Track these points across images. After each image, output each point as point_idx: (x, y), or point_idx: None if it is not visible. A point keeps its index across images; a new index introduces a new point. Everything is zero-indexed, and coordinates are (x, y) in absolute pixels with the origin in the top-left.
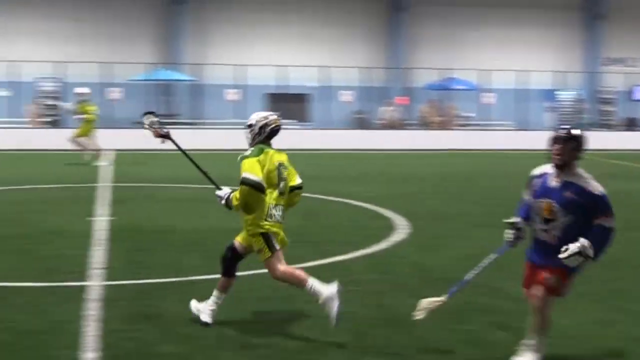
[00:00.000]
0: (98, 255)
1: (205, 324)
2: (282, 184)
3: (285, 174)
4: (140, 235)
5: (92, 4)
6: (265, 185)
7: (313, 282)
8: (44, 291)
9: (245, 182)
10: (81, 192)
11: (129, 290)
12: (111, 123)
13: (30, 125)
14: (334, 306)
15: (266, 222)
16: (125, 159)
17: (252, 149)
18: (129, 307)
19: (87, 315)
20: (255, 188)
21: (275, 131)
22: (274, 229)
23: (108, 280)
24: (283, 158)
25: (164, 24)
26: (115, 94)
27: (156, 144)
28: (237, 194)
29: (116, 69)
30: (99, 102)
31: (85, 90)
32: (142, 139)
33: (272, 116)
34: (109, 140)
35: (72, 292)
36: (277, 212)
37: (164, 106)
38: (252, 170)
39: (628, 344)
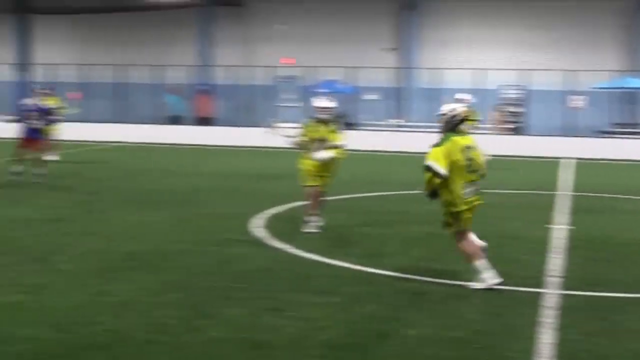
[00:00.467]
0: (555, 263)
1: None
2: (470, 164)
3: (471, 154)
4: (599, 246)
5: (559, 12)
6: (446, 172)
7: (481, 263)
8: (501, 294)
9: (428, 168)
10: (540, 199)
11: (585, 301)
12: (574, 131)
13: (493, 131)
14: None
15: (459, 202)
16: (586, 167)
17: (442, 137)
18: (585, 318)
19: (543, 322)
20: (435, 174)
21: (462, 121)
22: (465, 207)
23: (564, 289)
24: (468, 141)
25: (630, 30)
26: (577, 101)
27: (615, 153)
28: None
29: (580, 76)
30: (561, 110)
31: (467, 96)
32: (602, 149)
33: (461, 108)
34: (570, 148)
35: (527, 297)
36: (469, 190)
37: (628, 115)
38: (435, 158)
39: None
